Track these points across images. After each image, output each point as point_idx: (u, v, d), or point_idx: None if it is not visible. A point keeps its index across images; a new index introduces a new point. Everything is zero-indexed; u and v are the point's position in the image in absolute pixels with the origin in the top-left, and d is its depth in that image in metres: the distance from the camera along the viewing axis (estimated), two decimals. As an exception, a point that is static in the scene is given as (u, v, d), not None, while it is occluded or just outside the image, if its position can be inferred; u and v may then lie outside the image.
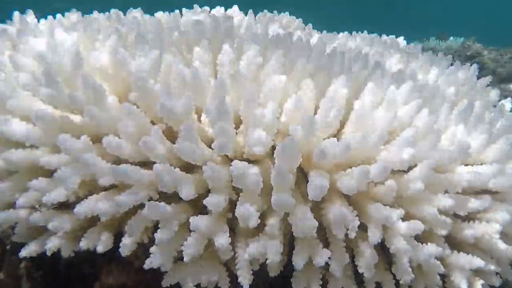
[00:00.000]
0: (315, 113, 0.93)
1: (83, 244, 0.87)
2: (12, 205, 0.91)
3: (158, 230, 0.83)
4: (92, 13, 1.29)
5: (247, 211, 0.81)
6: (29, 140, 0.90)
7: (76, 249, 0.90)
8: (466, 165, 0.98)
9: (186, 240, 0.83)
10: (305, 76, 0.98)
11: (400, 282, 0.90)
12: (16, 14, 1.19)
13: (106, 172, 0.84)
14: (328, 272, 0.88)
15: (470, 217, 0.96)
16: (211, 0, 1.66)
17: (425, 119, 0.97)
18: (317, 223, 0.83)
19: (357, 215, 0.85)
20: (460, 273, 0.92)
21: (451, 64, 1.38)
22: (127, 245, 0.85)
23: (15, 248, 0.95)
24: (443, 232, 0.91)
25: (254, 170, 0.82)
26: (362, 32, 1.59)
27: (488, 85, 1.37)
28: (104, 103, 0.88)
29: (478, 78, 1.37)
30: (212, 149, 0.84)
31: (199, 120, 0.94)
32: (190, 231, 0.83)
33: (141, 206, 0.83)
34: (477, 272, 0.96)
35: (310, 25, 1.58)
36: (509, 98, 1.36)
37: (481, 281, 0.96)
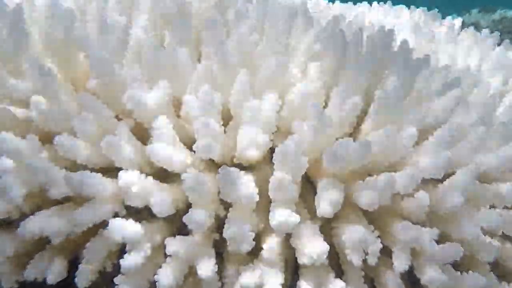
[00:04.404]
0: (326, 105, 0.93)
1: (30, 273, 0.87)
2: None
3: (125, 255, 0.82)
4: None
5: (238, 231, 0.81)
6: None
7: (20, 279, 0.90)
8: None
9: (161, 267, 0.83)
10: (313, 58, 0.97)
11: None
12: None
13: (58, 181, 0.84)
14: (342, 308, 0.88)
15: (522, 239, 0.97)
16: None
17: (465, 114, 0.97)
18: (328, 246, 0.83)
19: (378, 236, 0.86)
20: (510, 309, 0.93)
21: (499, 44, 1.38)
22: (85, 274, 0.85)
23: None
24: (489, 258, 0.91)
25: (247, 178, 0.82)
26: (384, 3, 1.59)
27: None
28: (56, 92, 0.88)
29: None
30: (194, 151, 0.84)
31: (178, 115, 0.94)
32: (166, 256, 0.83)
33: (104, 224, 0.83)
34: (532, 309, 0.96)
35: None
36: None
37: (537, 320, 0.96)
